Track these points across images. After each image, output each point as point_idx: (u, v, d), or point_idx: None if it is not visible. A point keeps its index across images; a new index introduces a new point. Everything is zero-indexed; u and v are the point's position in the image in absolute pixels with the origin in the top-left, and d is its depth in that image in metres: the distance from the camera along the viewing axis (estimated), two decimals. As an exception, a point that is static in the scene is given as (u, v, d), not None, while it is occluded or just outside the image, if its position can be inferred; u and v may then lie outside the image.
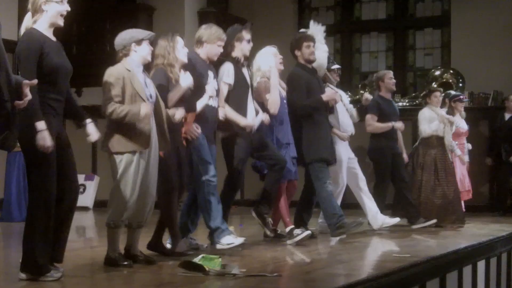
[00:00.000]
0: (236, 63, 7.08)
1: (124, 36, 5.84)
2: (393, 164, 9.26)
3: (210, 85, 6.66)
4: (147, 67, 6.02)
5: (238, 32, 7.14)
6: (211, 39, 6.74)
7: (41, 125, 4.78)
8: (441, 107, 10.02)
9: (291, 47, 7.94)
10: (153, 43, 5.97)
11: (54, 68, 4.98)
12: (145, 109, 5.52)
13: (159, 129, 5.79)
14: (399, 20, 14.92)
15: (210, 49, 6.74)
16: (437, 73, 13.58)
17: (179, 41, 6.30)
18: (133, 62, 5.74)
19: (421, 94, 10.69)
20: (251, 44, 7.20)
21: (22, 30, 5.02)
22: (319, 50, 8.06)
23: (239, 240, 6.53)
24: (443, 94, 10.29)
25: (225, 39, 6.87)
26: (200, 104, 6.53)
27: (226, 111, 6.88)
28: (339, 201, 8.29)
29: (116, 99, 5.57)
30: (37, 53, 4.90)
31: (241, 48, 7.11)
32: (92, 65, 11.53)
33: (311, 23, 8.34)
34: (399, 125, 9.27)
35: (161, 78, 6.13)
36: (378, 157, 9.28)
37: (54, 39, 5.11)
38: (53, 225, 5.00)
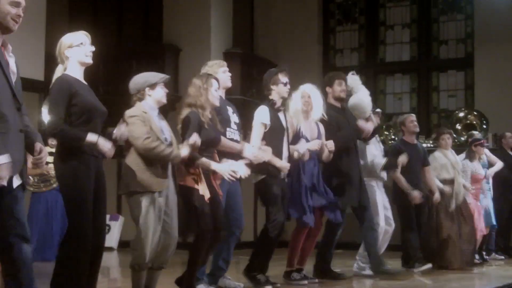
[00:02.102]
0: (272, 105, 7.08)
1: (137, 81, 5.81)
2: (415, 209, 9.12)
3: (233, 119, 6.64)
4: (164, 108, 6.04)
5: (274, 75, 7.16)
6: (214, 71, 6.63)
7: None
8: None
9: (324, 83, 8.04)
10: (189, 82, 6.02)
11: (88, 106, 5.03)
12: (194, 138, 5.61)
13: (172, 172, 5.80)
14: (423, 61, 15.00)
15: (220, 81, 6.52)
16: (461, 114, 13.58)
17: (214, 84, 6.21)
18: (148, 106, 5.73)
19: (432, 137, 10.58)
20: (288, 86, 7.18)
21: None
22: (361, 91, 8.16)
23: None
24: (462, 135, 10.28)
25: (225, 63, 6.84)
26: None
27: (259, 152, 6.70)
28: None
29: (148, 134, 5.55)
30: (66, 93, 4.95)
31: (278, 91, 7.12)
32: (118, 105, 11.52)
33: (349, 75, 8.31)
34: (416, 195, 8.95)
35: (194, 122, 6.03)
36: (403, 201, 9.06)
37: (85, 82, 5.19)
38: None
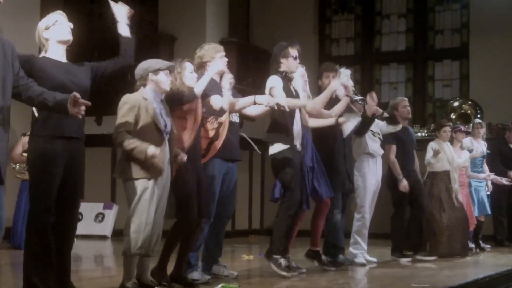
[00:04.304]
0: (284, 77, 7.05)
1: (142, 66, 5.87)
2: (411, 191, 9.20)
3: (225, 97, 6.53)
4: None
5: (284, 49, 7.13)
6: (210, 56, 6.59)
7: None
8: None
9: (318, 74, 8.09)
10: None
11: (54, 84, 4.95)
12: (152, 150, 5.49)
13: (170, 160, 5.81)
14: (419, 51, 14.99)
15: (216, 65, 6.56)
16: (456, 104, 13.61)
17: (187, 66, 6.20)
18: (150, 91, 5.76)
19: (431, 127, 10.60)
20: (297, 61, 7.17)
21: None
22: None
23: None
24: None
25: (222, 48, 6.73)
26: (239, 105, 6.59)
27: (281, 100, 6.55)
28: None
29: (128, 127, 5.58)
30: (28, 73, 4.80)
31: (288, 65, 7.10)
32: (112, 93, 11.52)
33: (342, 70, 8.30)
34: (405, 184, 9.06)
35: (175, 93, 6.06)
36: (395, 184, 9.15)
37: (65, 61, 5.19)
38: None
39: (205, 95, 6.35)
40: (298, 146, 7.04)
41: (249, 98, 6.59)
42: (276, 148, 6.95)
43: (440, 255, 9.31)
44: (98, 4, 14.55)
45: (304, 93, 7.43)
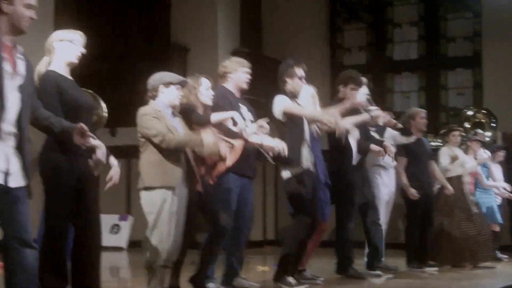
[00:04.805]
0: (289, 96, 6.91)
1: (155, 77, 5.89)
2: (424, 203, 9.04)
3: (247, 117, 6.56)
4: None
5: (290, 68, 6.98)
6: (234, 68, 6.69)
7: None
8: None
9: (339, 80, 8.01)
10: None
11: (73, 103, 5.01)
12: (208, 138, 5.59)
13: (188, 169, 5.81)
14: (431, 60, 14.96)
15: (236, 79, 6.65)
16: (470, 113, 13.51)
17: (204, 83, 6.25)
18: (160, 104, 5.78)
19: (441, 132, 10.53)
20: (303, 81, 7.01)
21: (36, 73, 4.95)
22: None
23: None
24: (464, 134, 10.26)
25: (249, 65, 6.78)
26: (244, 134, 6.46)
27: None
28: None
29: (163, 131, 5.58)
30: (54, 90, 4.95)
31: (293, 85, 6.94)
32: (125, 105, 11.57)
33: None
34: (413, 192, 8.85)
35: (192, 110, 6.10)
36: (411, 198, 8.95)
37: (71, 78, 5.18)
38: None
39: (218, 107, 6.35)
40: (311, 167, 6.95)
41: (258, 138, 6.40)
42: (288, 173, 6.85)
43: (460, 264, 9.22)
44: (111, 17, 14.54)
45: None
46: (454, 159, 9.39)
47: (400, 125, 8.83)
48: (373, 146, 7.81)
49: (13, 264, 4.01)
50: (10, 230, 3.98)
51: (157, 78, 5.88)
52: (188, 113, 6.02)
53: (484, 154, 10.75)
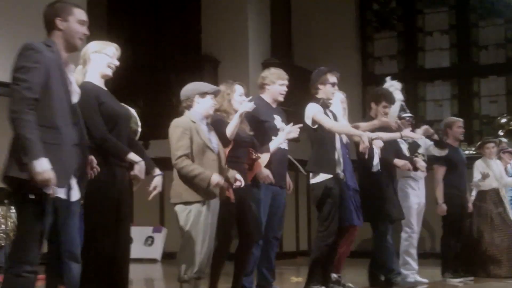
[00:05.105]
0: (322, 104, 6.91)
1: (189, 87, 5.91)
2: (459, 214, 9.01)
3: (283, 127, 6.61)
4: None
5: (322, 75, 7.00)
6: (271, 80, 6.78)
7: None
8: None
9: (370, 96, 8.03)
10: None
11: (112, 114, 5.04)
12: (217, 179, 5.55)
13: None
14: (463, 67, 14.87)
15: (273, 90, 6.77)
16: (503, 120, 13.42)
17: (237, 89, 6.32)
18: (196, 114, 5.79)
19: (477, 145, 10.41)
20: (336, 88, 7.04)
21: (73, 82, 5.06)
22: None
23: None
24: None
25: (286, 77, 6.86)
26: (272, 146, 6.52)
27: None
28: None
29: (186, 151, 5.61)
30: (96, 102, 4.97)
31: (325, 91, 6.95)
32: (158, 117, 11.58)
33: (388, 79, 8.23)
34: (444, 208, 8.88)
35: (222, 124, 6.11)
36: (447, 206, 8.90)
37: (105, 89, 5.21)
38: None
39: (251, 117, 6.38)
40: (341, 173, 6.94)
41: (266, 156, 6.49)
42: (318, 178, 6.85)
43: (496, 274, 9.11)
44: (144, 30, 14.61)
45: (343, 120, 7.37)
46: (485, 176, 9.25)
47: (436, 137, 8.77)
48: (397, 161, 7.78)
49: (58, 277, 4.04)
50: (63, 243, 4.03)
51: (191, 88, 5.89)
52: (218, 127, 6.04)
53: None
